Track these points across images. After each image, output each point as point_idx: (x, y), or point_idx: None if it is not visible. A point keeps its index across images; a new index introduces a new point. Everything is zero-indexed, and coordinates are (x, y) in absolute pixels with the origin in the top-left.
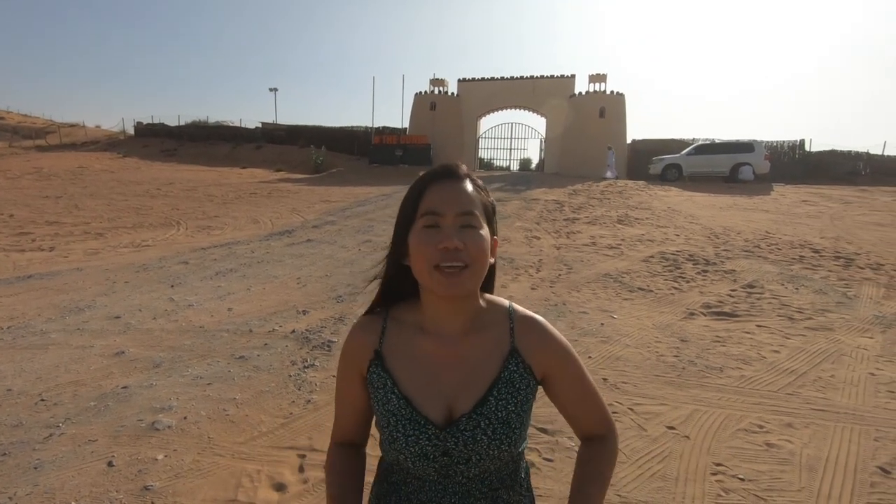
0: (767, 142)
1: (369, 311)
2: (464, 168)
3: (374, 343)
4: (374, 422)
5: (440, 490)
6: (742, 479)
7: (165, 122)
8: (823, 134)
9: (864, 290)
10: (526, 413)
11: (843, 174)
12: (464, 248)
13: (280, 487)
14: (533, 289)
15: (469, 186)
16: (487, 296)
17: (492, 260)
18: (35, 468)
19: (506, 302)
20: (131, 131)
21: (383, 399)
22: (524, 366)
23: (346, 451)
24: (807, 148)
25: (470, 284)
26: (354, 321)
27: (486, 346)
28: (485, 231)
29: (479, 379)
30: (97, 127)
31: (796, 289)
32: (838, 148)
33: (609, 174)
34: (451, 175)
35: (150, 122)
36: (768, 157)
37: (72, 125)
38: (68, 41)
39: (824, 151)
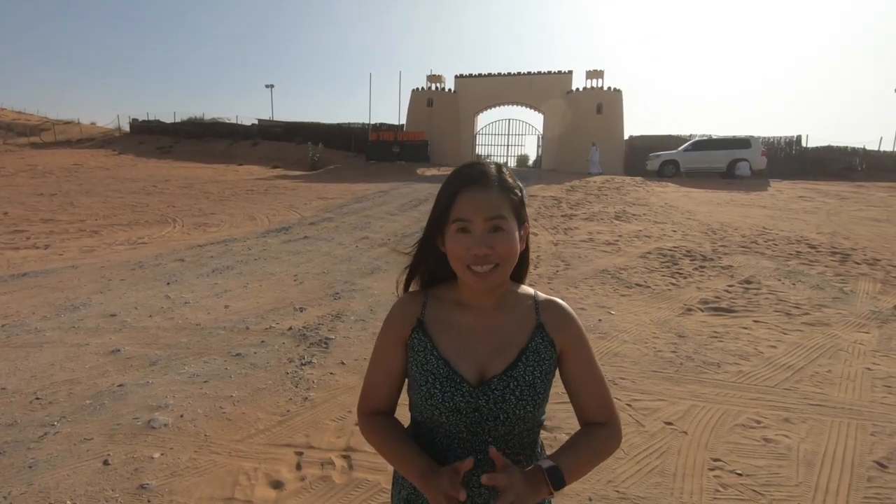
0: (764, 138)
1: (409, 272)
2: (493, 172)
3: (417, 312)
4: (405, 387)
5: (467, 448)
6: (740, 475)
7: (161, 119)
8: (820, 130)
9: (861, 285)
10: (548, 381)
11: (840, 170)
12: (492, 251)
13: (277, 485)
14: (530, 285)
15: (496, 191)
16: (516, 283)
17: (522, 246)
18: (30, 467)
19: (531, 289)
20: (127, 128)
21: (423, 360)
22: (548, 339)
23: (381, 416)
24: (803, 144)
25: (499, 280)
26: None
27: (516, 320)
28: (513, 230)
29: (509, 347)
30: (92, 124)
31: (793, 284)
32: (835, 144)
33: (593, 170)
34: (479, 181)
35: (146, 118)
36: (765, 153)
37: (67, 122)
38: (63, 38)
39: (821, 147)
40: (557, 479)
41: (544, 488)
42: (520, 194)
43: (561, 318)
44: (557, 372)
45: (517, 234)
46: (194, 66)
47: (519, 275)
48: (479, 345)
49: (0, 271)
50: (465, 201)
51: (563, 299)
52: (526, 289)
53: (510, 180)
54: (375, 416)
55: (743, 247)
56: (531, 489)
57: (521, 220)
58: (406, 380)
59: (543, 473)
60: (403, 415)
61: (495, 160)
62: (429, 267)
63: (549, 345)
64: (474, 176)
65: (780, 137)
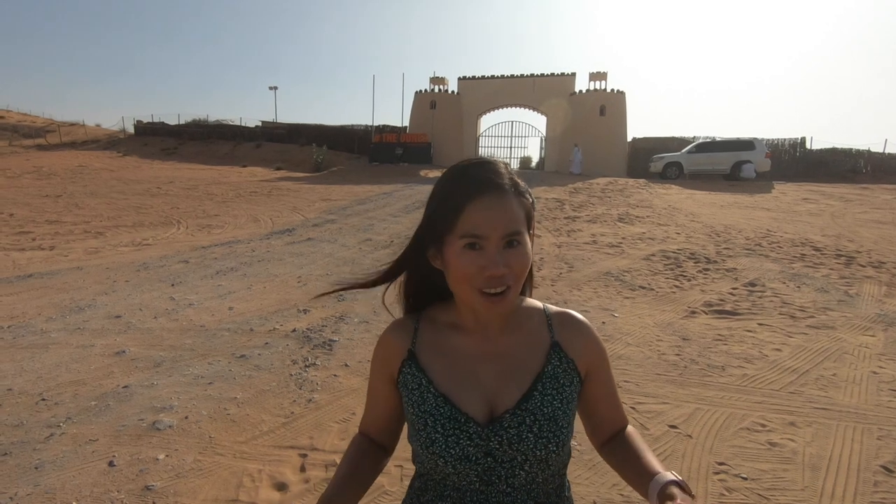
0: (768, 140)
1: (386, 275)
2: (505, 173)
3: (407, 343)
4: (408, 436)
5: (482, 502)
6: (745, 478)
7: (165, 121)
8: (824, 132)
9: (866, 288)
10: (572, 412)
11: (844, 172)
12: (509, 271)
13: (281, 487)
14: (535, 288)
15: (513, 199)
16: (520, 297)
17: (533, 259)
18: (36, 468)
19: (538, 302)
20: (131, 130)
21: (418, 400)
22: (567, 360)
23: (368, 443)
24: (808, 146)
25: (513, 301)
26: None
27: (525, 340)
28: (528, 243)
29: (521, 373)
30: (97, 126)
31: (798, 287)
32: (839, 146)
33: (574, 170)
34: (494, 189)
35: (151, 120)
36: (769, 155)
37: (72, 124)
38: (68, 40)
39: (825, 149)
40: (686, 486)
41: None
42: (531, 199)
43: (580, 335)
44: None
45: (530, 244)
46: (198, 68)
47: (524, 287)
48: (484, 373)
49: (6, 272)
50: (479, 213)
51: (566, 302)
52: (532, 301)
53: (521, 183)
54: (360, 438)
55: (747, 249)
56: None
57: (531, 226)
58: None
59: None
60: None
61: (502, 159)
62: (421, 285)
63: (570, 367)
64: (486, 181)
65: (785, 139)
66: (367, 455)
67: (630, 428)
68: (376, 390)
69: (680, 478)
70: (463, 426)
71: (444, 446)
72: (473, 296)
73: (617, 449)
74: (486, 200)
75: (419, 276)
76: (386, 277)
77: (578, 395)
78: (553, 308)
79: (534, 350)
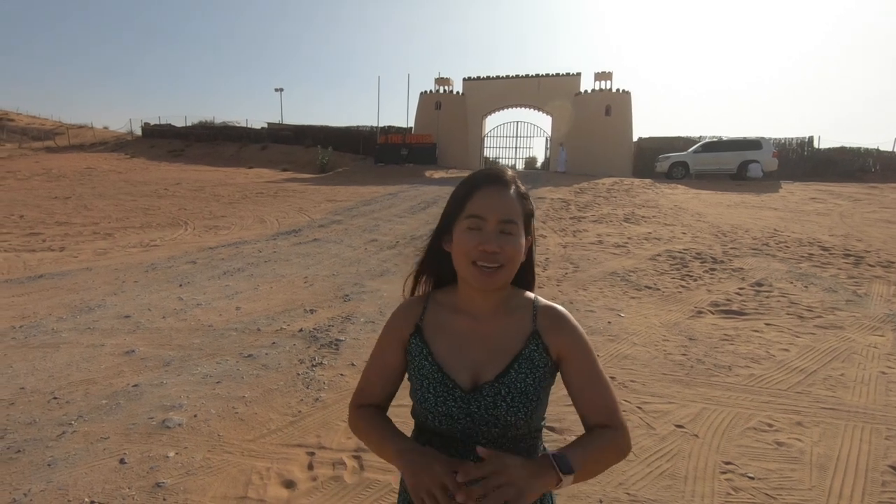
0: (776, 139)
1: (416, 273)
2: (510, 174)
3: (417, 318)
4: (409, 392)
5: (463, 450)
6: (752, 478)
7: (172, 123)
8: (832, 131)
9: (875, 287)
10: (543, 389)
11: (853, 171)
12: (500, 251)
13: (289, 485)
14: (539, 287)
15: (513, 194)
16: (517, 288)
17: (524, 258)
18: (49, 465)
19: (532, 295)
20: (139, 132)
21: (419, 365)
22: (542, 346)
23: (370, 408)
24: (815, 145)
25: (501, 281)
26: (400, 302)
27: (512, 326)
28: (521, 236)
29: (502, 354)
30: (105, 128)
31: (805, 287)
32: (847, 145)
33: (559, 168)
34: (497, 180)
35: (158, 122)
36: (776, 155)
37: (80, 126)
38: (76, 43)
39: (833, 148)
40: (565, 465)
41: (551, 473)
42: (531, 206)
43: (557, 324)
44: (560, 378)
45: (523, 241)
46: (205, 70)
47: (527, 284)
48: (474, 351)
49: (17, 273)
50: (483, 198)
51: (571, 302)
52: (528, 295)
53: (524, 188)
54: (364, 407)
55: (754, 249)
56: (532, 473)
57: (528, 230)
58: (407, 382)
59: (549, 458)
60: (401, 418)
61: (504, 162)
62: (436, 269)
63: (544, 351)
64: (493, 174)
65: (792, 138)
66: (381, 414)
67: (615, 431)
68: (386, 354)
69: (555, 451)
70: (451, 391)
71: (433, 404)
72: (469, 269)
73: (588, 431)
74: (490, 189)
75: (433, 262)
76: (424, 256)
77: (562, 376)
78: (543, 302)
79: (517, 335)
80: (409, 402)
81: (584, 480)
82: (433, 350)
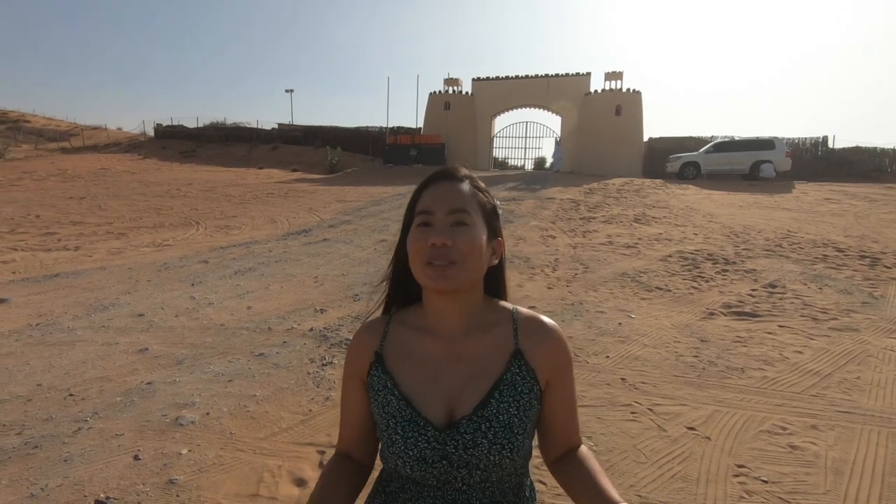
0: (789, 139)
1: (386, 300)
2: (463, 170)
3: (375, 345)
4: (376, 431)
5: (439, 497)
6: (765, 482)
7: (184, 124)
8: (847, 130)
9: (891, 290)
10: (529, 419)
11: (868, 171)
12: (452, 244)
13: (300, 483)
14: (549, 288)
15: (465, 186)
16: (492, 298)
17: (495, 261)
18: (65, 461)
19: (509, 305)
20: (151, 133)
21: (383, 401)
22: (528, 368)
23: (343, 462)
24: (830, 145)
25: (460, 279)
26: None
27: (489, 345)
28: (477, 229)
29: (480, 379)
30: (118, 129)
31: (820, 288)
32: (863, 144)
33: (555, 167)
34: (446, 176)
35: (170, 123)
36: (790, 155)
37: (94, 128)
38: (91, 46)
39: (848, 148)
40: None
41: None
42: (492, 202)
43: (545, 343)
44: None
45: (483, 236)
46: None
47: (497, 292)
48: (446, 378)
49: (34, 272)
50: (430, 193)
51: (581, 302)
52: (505, 306)
53: (481, 183)
54: (337, 459)
55: (767, 250)
56: None
57: (493, 229)
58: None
59: None
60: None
61: (513, 162)
62: (401, 288)
63: (529, 375)
64: (442, 172)
65: (806, 138)
66: (342, 477)
67: (584, 448)
68: (349, 397)
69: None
70: (422, 430)
71: (402, 447)
72: (423, 271)
73: (571, 468)
74: (437, 184)
75: (397, 277)
76: (391, 276)
77: (539, 402)
78: (524, 312)
79: (496, 355)
80: None
81: None
82: (398, 381)
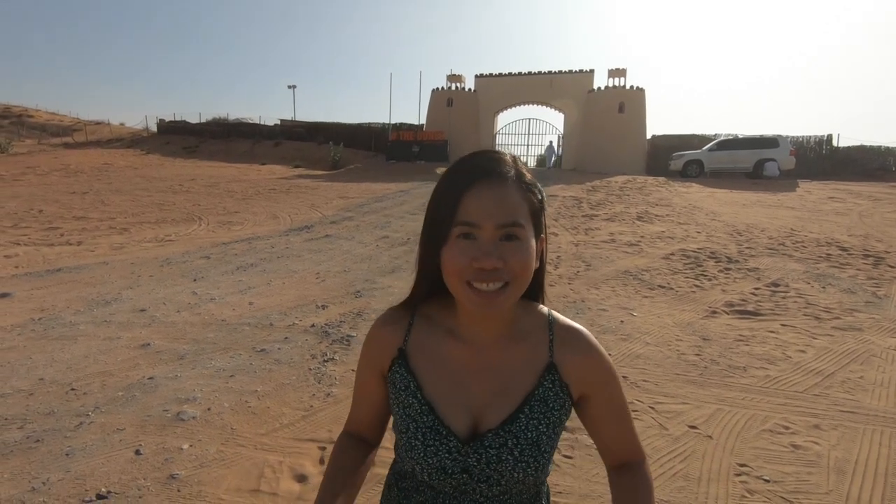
0: (793, 137)
1: (408, 302)
2: (509, 162)
3: (399, 340)
4: (390, 423)
5: None
6: (767, 481)
7: (187, 120)
8: (852, 129)
9: (895, 289)
10: (556, 436)
11: (873, 170)
12: (503, 266)
13: (301, 479)
14: (551, 286)
15: (515, 188)
16: (528, 302)
17: (537, 264)
18: (66, 455)
19: (545, 310)
20: (154, 129)
21: (404, 402)
22: (561, 384)
23: (353, 442)
24: (834, 143)
25: (508, 304)
26: (381, 313)
27: (522, 356)
28: (530, 241)
29: (510, 392)
30: (121, 125)
31: (823, 288)
32: (867, 143)
33: (549, 164)
34: (492, 174)
35: (173, 119)
36: (794, 153)
37: (97, 123)
38: (94, 42)
39: (853, 147)
40: None
41: None
42: (540, 196)
43: (581, 355)
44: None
45: (534, 244)
46: (219, 67)
47: (535, 295)
48: (474, 388)
49: (37, 267)
50: (474, 199)
51: (583, 300)
52: (540, 311)
53: (529, 176)
54: (346, 437)
55: (770, 249)
56: None
57: (539, 228)
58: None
59: None
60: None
61: (512, 153)
62: (427, 285)
63: (562, 391)
64: (486, 168)
65: (810, 136)
66: (354, 457)
67: (644, 468)
68: (365, 386)
69: None
70: (444, 439)
71: (422, 454)
72: (464, 291)
73: (618, 487)
74: (483, 187)
75: (427, 284)
76: (417, 281)
77: (576, 409)
78: (562, 321)
79: (529, 368)
80: None
81: None
82: (423, 384)
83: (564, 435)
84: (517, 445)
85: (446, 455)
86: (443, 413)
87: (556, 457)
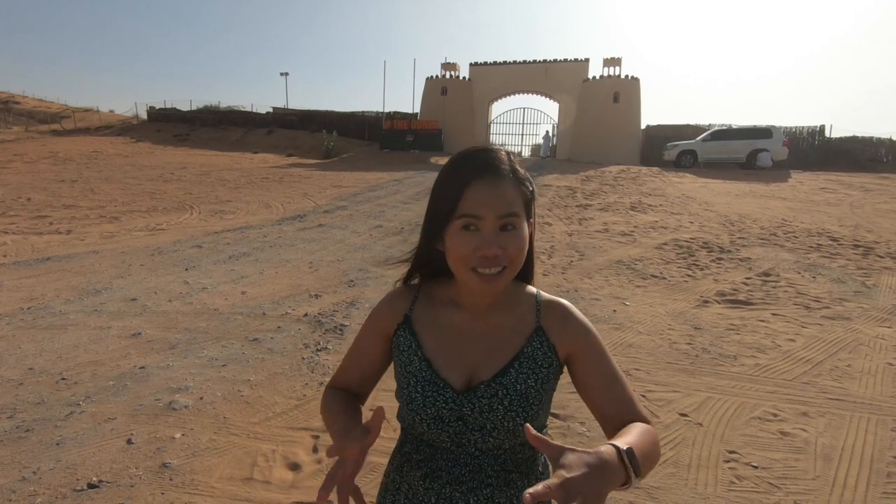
0: (786, 127)
1: (405, 280)
2: (505, 159)
3: (405, 308)
4: (395, 393)
5: (452, 460)
6: (755, 467)
7: (178, 107)
8: (844, 120)
9: (884, 279)
10: (546, 392)
11: (864, 161)
12: (503, 252)
13: (294, 467)
14: (545, 275)
15: (511, 183)
16: (519, 283)
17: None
18: (57, 444)
19: (534, 289)
20: (144, 116)
21: (406, 360)
22: (548, 344)
23: (340, 391)
24: (827, 134)
25: (506, 283)
26: (390, 289)
27: (512, 322)
28: (525, 229)
29: (501, 352)
30: (111, 112)
31: (813, 277)
32: (859, 134)
33: (542, 153)
34: (490, 171)
35: (163, 106)
36: (787, 144)
37: (86, 110)
38: (83, 27)
39: (845, 138)
40: (635, 464)
41: (620, 475)
42: (531, 188)
43: (564, 321)
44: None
45: (527, 231)
46: (210, 54)
47: (525, 275)
48: (469, 348)
49: (25, 256)
50: (476, 194)
51: (576, 290)
52: (529, 288)
53: (522, 171)
54: (333, 389)
55: (762, 239)
56: (600, 476)
57: (530, 215)
58: (385, 378)
59: (619, 453)
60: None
61: (506, 148)
62: (428, 267)
63: (549, 350)
64: (485, 165)
65: (803, 127)
66: (346, 396)
67: (644, 425)
68: (365, 342)
69: (626, 447)
70: (441, 390)
71: (421, 405)
72: (468, 275)
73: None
74: (484, 182)
75: (423, 264)
76: (414, 263)
77: (571, 377)
78: (546, 296)
79: (518, 332)
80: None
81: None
82: (423, 344)
83: (557, 422)
84: (507, 396)
85: (443, 404)
86: (440, 368)
87: None
